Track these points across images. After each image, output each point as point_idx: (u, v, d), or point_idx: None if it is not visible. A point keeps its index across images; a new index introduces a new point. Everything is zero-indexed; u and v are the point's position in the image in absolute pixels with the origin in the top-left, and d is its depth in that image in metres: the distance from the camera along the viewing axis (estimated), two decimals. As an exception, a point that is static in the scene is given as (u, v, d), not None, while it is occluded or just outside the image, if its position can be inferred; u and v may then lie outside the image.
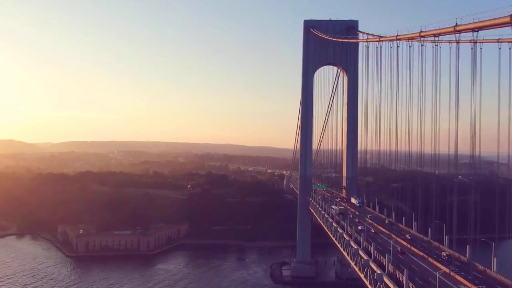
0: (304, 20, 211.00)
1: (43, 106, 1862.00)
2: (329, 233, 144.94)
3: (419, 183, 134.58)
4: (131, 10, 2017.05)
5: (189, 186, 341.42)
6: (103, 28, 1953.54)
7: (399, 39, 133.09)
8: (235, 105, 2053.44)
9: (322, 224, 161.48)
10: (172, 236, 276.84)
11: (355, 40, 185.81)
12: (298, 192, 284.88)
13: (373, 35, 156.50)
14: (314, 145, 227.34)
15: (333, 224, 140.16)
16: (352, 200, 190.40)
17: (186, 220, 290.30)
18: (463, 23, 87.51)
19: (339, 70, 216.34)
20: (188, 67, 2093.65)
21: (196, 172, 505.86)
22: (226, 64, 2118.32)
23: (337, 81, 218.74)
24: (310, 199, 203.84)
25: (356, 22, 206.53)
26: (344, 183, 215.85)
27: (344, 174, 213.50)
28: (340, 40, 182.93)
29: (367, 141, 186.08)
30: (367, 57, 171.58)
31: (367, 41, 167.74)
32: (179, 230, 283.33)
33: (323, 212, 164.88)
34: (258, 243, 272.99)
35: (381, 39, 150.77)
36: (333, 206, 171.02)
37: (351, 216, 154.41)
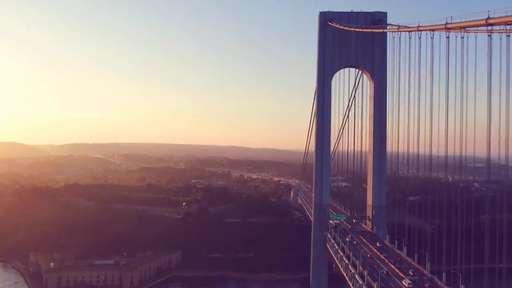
0: (320, 12, 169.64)
1: (46, 107, 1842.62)
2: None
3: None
4: (135, 11, 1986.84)
5: (184, 203, 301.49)
6: (104, 28, 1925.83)
7: (449, 29, 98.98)
8: (238, 106, 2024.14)
9: (347, 278, 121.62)
10: (162, 267, 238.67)
11: (388, 30, 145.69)
12: (306, 211, 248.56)
13: (417, 28, 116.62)
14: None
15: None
16: None
17: (179, 246, 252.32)
18: None
19: (359, 71, 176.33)
20: (191, 68, 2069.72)
21: (196, 181, 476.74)
22: (230, 64, 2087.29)
23: (357, 86, 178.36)
24: (327, 234, 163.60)
25: (385, 14, 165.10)
26: (368, 213, 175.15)
27: (370, 202, 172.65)
28: (369, 30, 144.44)
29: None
30: (398, 56, 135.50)
31: (400, 31, 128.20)
32: (171, 259, 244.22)
33: (346, 262, 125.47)
34: (262, 275, 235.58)
35: (419, 28, 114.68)
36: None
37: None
